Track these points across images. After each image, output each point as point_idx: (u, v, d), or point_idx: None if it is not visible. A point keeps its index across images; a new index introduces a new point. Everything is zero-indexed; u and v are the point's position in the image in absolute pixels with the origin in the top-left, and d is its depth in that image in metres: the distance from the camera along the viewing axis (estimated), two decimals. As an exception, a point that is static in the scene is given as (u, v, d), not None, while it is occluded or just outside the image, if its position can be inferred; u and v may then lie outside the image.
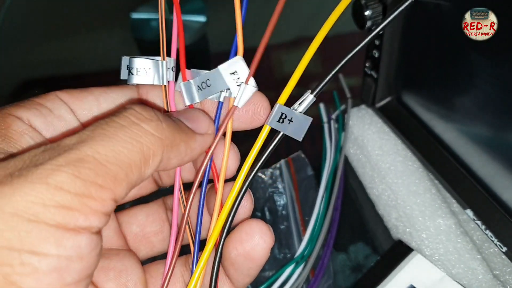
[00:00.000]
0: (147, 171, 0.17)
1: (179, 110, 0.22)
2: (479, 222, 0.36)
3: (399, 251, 0.36)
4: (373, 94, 0.43)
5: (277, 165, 0.45)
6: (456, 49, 0.33)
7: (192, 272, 0.21)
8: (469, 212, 0.37)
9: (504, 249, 0.34)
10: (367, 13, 0.33)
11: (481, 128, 0.35)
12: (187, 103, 0.22)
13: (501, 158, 0.33)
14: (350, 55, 0.21)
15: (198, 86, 0.22)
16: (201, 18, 0.57)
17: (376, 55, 0.39)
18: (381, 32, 0.21)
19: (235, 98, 0.22)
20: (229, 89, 0.22)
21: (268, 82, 0.51)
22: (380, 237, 0.40)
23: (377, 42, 0.38)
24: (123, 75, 0.22)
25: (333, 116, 0.46)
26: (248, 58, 0.22)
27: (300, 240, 0.40)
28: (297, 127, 0.21)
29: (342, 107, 0.47)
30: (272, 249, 0.40)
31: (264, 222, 0.22)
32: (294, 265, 0.38)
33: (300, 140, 0.21)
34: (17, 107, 0.19)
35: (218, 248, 0.21)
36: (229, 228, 0.21)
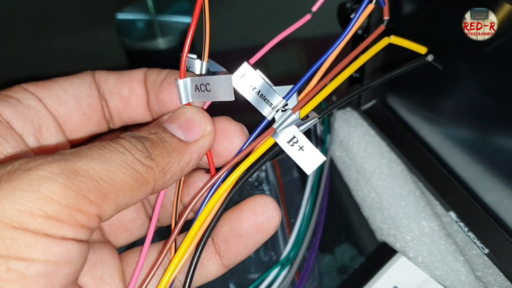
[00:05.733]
0: (138, 196, 0.17)
1: (173, 112, 0.21)
2: (462, 224, 0.36)
3: (383, 253, 0.36)
4: (358, 97, 0.43)
5: (263, 167, 0.45)
6: (440, 54, 0.34)
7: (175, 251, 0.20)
8: (452, 214, 0.37)
9: (486, 250, 0.34)
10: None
11: (464, 131, 0.35)
12: (182, 102, 0.21)
13: (484, 161, 0.34)
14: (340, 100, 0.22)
15: (196, 86, 0.21)
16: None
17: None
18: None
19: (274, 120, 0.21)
20: (278, 110, 0.21)
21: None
22: (365, 239, 0.41)
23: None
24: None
25: (319, 118, 0.46)
26: (244, 57, 0.21)
27: (286, 243, 0.40)
28: (308, 159, 0.20)
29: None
30: (257, 252, 0.40)
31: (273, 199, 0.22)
32: (279, 267, 0.38)
33: (308, 173, 0.21)
34: None
35: (210, 224, 0.20)
36: (226, 207, 0.20)
